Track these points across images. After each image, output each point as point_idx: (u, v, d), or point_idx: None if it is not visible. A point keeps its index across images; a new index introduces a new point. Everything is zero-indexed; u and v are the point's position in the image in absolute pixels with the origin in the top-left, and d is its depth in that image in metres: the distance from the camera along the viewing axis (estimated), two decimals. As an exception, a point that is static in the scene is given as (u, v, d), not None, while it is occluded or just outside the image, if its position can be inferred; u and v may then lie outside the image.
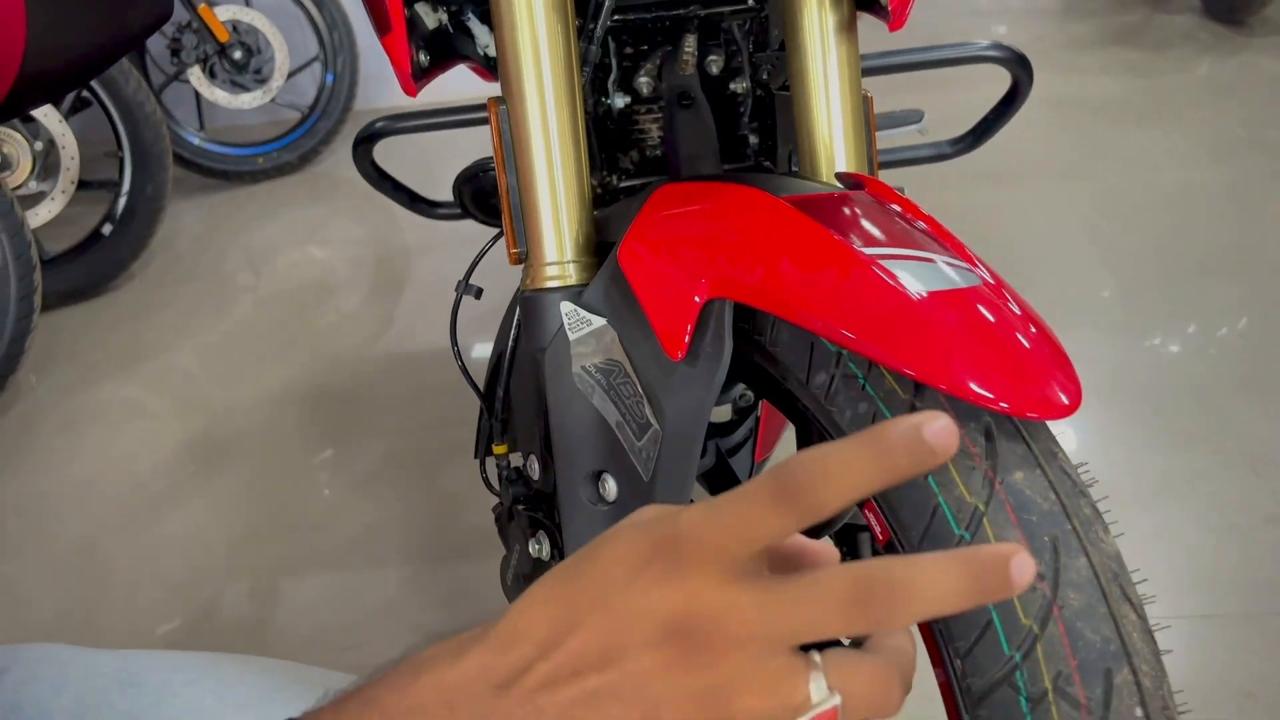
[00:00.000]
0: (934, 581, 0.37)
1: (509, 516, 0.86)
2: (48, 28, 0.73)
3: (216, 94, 3.03)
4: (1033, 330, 0.58)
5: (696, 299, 0.63)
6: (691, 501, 0.68)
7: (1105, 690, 0.52)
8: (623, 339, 0.67)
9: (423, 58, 0.83)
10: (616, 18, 0.97)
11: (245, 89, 3.05)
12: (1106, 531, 0.56)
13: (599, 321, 0.68)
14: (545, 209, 0.72)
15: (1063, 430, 0.97)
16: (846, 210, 0.66)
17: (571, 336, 0.68)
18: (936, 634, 0.57)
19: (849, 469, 0.37)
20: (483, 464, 0.91)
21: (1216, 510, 1.43)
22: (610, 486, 0.68)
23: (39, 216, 2.40)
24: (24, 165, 2.35)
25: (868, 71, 1.12)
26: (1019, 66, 1.06)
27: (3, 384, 1.99)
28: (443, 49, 0.88)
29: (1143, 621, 0.54)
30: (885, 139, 1.65)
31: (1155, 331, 1.88)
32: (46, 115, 2.36)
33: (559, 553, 0.81)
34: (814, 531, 0.66)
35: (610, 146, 1.08)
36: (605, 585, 0.41)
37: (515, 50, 0.71)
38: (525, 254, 0.73)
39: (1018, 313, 0.59)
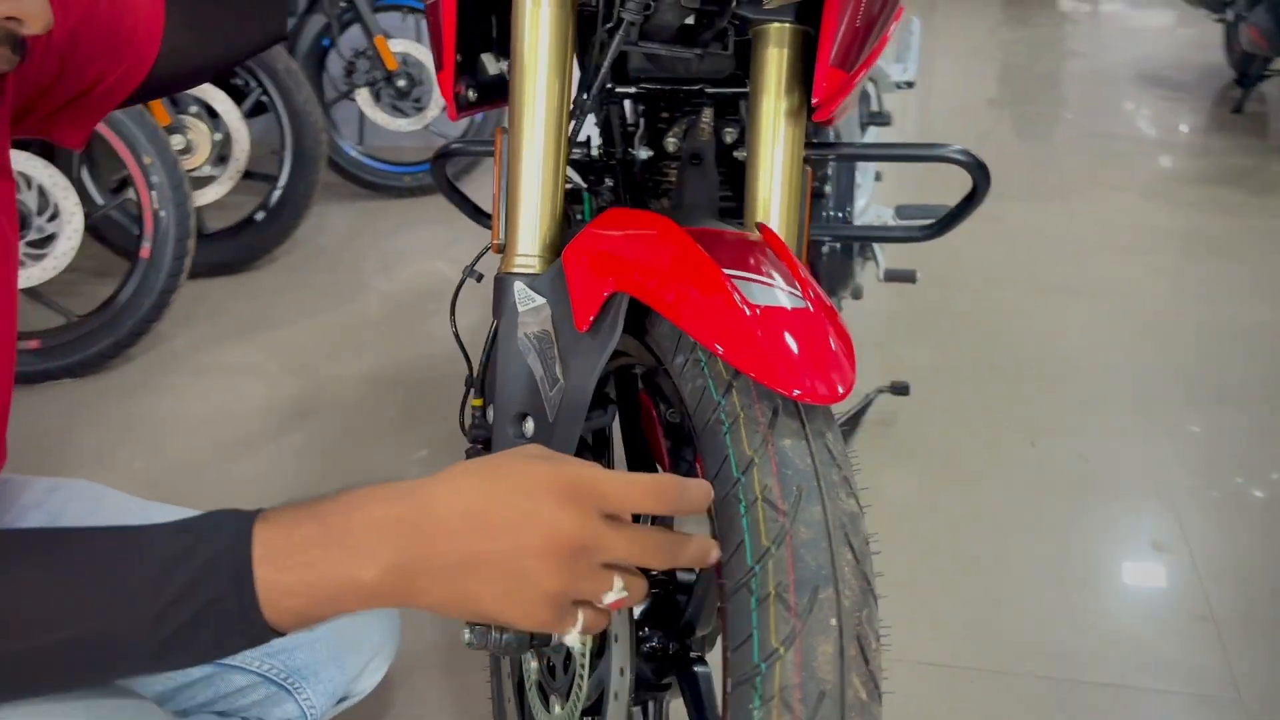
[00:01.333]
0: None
1: (473, 455, 1.09)
2: (179, 42, 1.00)
3: (378, 115, 3.40)
4: (830, 343, 0.78)
5: (604, 291, 0.85)
6: (581, 441, 0.89)
7: (810, 600, 0.71)
8: (554, 315, 0.89)
9: (471, 94, 1.08)
10: (644, 86, 1.21)
11: (404, 114, 3.41)
12: (850, 496, 0.75)
13: (540, 300, 0.90)
14: (524, 215, 0.95)
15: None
16: (735, 247, 0.87)
17: (520, 310, 0.91)
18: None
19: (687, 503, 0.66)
20: (461, 413, 1.14)
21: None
22: (529, 426, 0.90)
23: (206, 196, 2.78)
24: (203, 151, 2.73)
25: (848, 156, 1.32)
26: (978, 171, 1.24)
27: (147, 329, 2.33)
28: (495, 90, 1.13)
29: (858, 562, 0.73)
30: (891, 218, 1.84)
31: (1157, 439, 1.99)
32: (229, 113, 2.75)
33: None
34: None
35: (636, 189, 1.32)
36: (517, 495, 0.64)
37: (519, 102, 0.95)
38: (504, 245, 0.96)
39: (822, 330, 0.79)
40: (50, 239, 2.21)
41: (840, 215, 1.45)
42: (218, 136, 2.75)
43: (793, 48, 1.02)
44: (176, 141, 2.65)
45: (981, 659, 1.46)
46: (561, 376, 0.87)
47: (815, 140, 1.33)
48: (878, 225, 1.49)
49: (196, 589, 0.60)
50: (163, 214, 2.30)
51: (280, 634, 0.64)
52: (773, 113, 1.03)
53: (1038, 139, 4.44)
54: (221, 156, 2.80)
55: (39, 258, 2.21)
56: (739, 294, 0.79)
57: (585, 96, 1.02)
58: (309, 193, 2.88)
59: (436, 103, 3.44)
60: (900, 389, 2.00)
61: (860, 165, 1.77)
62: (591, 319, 0.85)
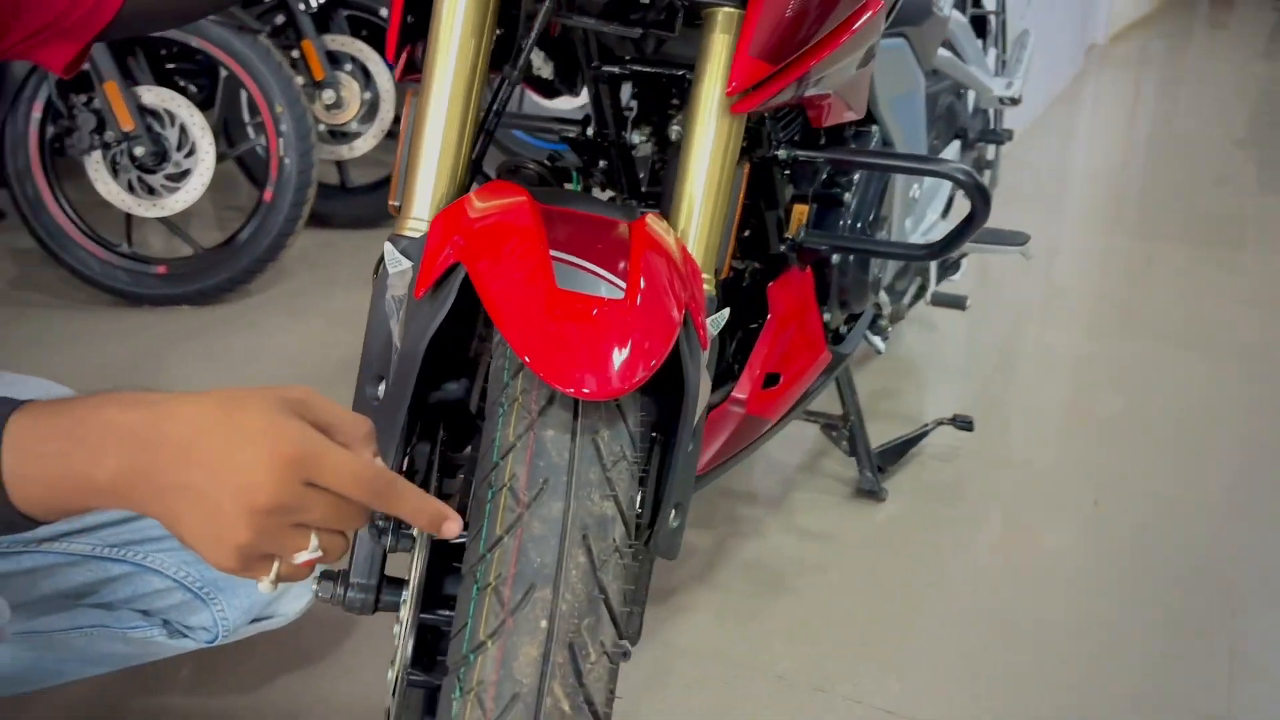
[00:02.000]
0: (414, 509, 0.65)
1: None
2: None
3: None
4: (630, 338, 0.74)
5: (447, 261, 0.83)
6: (411, 404, 0.88)
7: (522, 598, 0.67)
8: (413, 281, 0.89)
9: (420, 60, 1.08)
10: (630, 67, 1.18)
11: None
12: (605, 498, 0.71)
13: (407, 264, 0.90)
14: (420, 180, 0.94)
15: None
16: (586, 231, 0.84)
17: (390, 272, 0.91)
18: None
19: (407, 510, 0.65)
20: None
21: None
22: (382, 388, 0.91)
23: (353, 150, 2.92)
24: (352, 108, 2.87)
25: (839, 161, 1.24)
26: (976, 193, 1.15)
27: (263, 268, 2.48)
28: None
29: (593, 568, 0.69)
30: (991, 252, 1.72)
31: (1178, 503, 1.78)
32: (381, 74, 2.87)
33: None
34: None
35: (632, 175, 1.30)
36: (239, 440, 0.64)
37: (430, 67, 0.94)
38: (399, 207, 0.96)
39: (626, 324, 0.75)
40: (185, 174, 2.38)
41: (858, 226, 1.37)
42: (367, 95, 2.88)
43: (739, 38, 0.97)
44: (328, 96, 2.80)
45: None
46: (399, 342, 0.87)
47: (817, 144, 1.27)
48: (880, 240, 1.39)
49: None
50: (287, 161, 2.44)
51: (36, 521, 0.67)
52: (709, 103, 0.98)
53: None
54: (371, 113, 2.93)
55: (173, 190, 2.39)
56: (549, 278, 0.76)
57: (512, 69, 1.00)
58: (447, 158, 2.97)
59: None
60: (964, 424, 1.87)
61: (928, 189, 1.67)
62: (428, 288, 0.84)
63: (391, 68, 1.18)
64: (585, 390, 0.71)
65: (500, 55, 1.05)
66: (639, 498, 0.82)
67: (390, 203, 0.98)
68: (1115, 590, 1.61)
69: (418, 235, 0.93)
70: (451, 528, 0.68)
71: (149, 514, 0.66)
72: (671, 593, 1.57)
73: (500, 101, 1.02)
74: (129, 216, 2.45)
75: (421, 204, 0.94)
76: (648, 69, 1.15)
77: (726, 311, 0.95)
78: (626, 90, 1.26)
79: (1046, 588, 1.61)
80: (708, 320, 0.91)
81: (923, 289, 1.71)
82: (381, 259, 0.92)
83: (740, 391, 1.30)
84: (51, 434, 0.66)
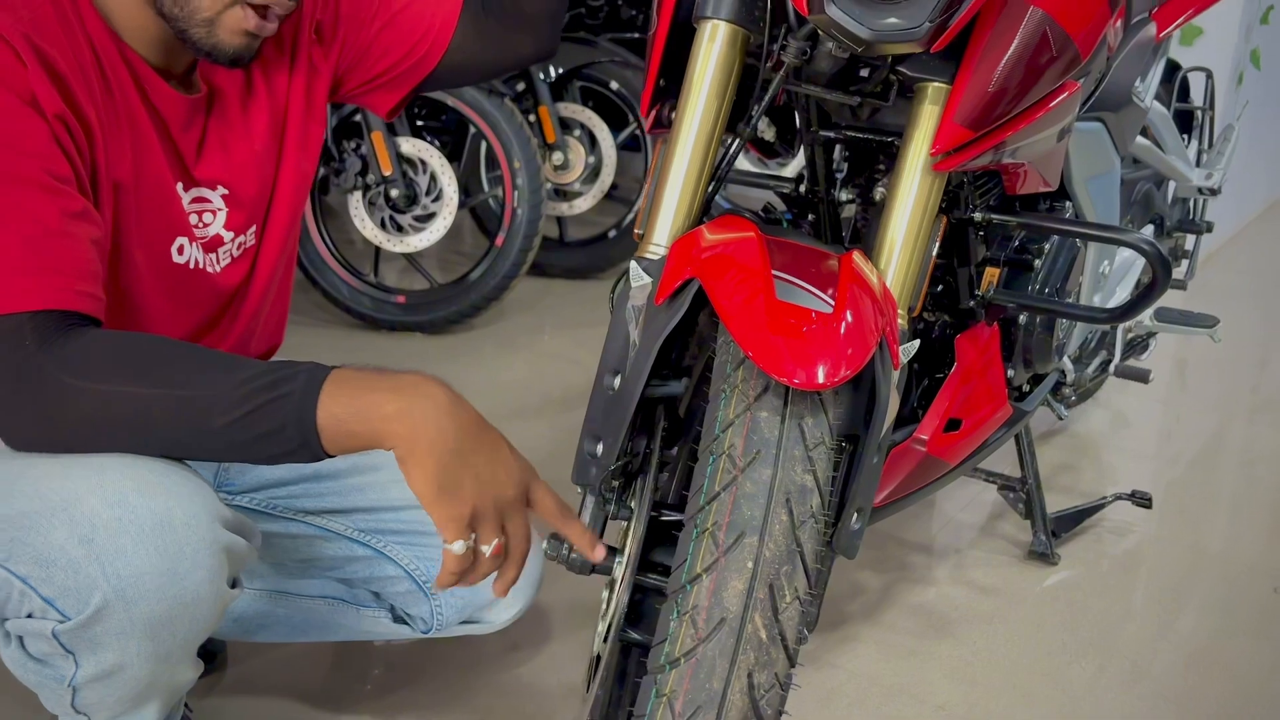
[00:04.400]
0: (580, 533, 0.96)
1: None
2: (464, 46, 1.28)
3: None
4: (834, 344, 0.89)
5: (682, 275, 1.01)
6: (648, 402, 1.05)
7: (734, 542, 0.82)
8: (654, 292, 1.07)
9: (669, 117, 1.28)
10: (846, 133, 1.34)
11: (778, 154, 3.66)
12: (806, 472, 0.86)
13: (648, 279, 1.08)
14: (661, 213, 1.12)
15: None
16: (802, 257, 1.00)
17: (633, 285, 1.09)
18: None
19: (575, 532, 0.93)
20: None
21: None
22: (617, 381, 1.08)
23: (574, 209, 3.19)
24: (577, 170, 3.15)
25: (1026, 226, 1.36)
26: (1159, 262, 1.24)
27: (488, 305, 2.75)
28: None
29: (793, 526, 0.83)
30: (1179, 332, 1.79)
31: None
32: (605, 140, 3.14)
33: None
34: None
35: (837, 229, 1.46)
36: (502, 450, 0.95)
37: (679, 120, 1.13)
38: (643, 235, 1.15)
39: (831, 332, 0.90)
40: (430, 216, 2.69)
41: (1045, 292, 1.48)
42: (591, 159, 3.16)
43: (946, 107, 1.12)
44: (557, 158, 3.08)
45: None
46: (638, 341, 1.04)
47: (1011, 211, 1.39)
48: (1063, 302, 1.47)
49: (281, 386, 0.86)
50: (519, 212, 2.71)
51: (326, 452, 0.88)
52: (915, 163, 1.12)
53: None
54: (593, 176, 3.20)
55: (418, 230, 2.69)
56: (771, 291, 0.93)
57: (745, 126, 1.18)
58: (657, 219, 3.20)
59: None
60: (1143, 500, 1.91)
61: (1119, 268, 1.75)
62: (666, 296, 1.01)
63: (641, 121, 1.37)
64: (796, 381, 0.86)
65: (733, 117, 1.23)
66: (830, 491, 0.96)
67: (635, 231, 1.17)
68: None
69: (657, 257, 1.11)
70: (596, 553, 0.96)
71: (405, 447, 0.87)
72: (841, 623, 1.68)
73: (733, 153, 1.20)
74: (378, 250, 2.77)
75: (662, 232, 1.12)
76: (859, 134, 1.31)
77: (916, 343, 1.08)
78: (837, 153, 1.43)
79: (1210, 667, 1.63)
80: (900, 347, 1.05)
81: (1107, 362, 1.79)
82: (624, 275, 1.10)
83: (923, 432, 1.41)
84: (364, 375, 0.88)
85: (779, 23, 1.11)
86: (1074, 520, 1.90)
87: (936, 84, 1.11)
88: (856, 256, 1.04)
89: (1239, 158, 3.71)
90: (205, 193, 1.12)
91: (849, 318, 0.92)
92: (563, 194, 3.18)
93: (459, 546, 0.88)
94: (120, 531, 0.88)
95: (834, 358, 0.88)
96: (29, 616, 0.91)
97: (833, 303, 0.94)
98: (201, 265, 1.12)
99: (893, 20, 0.96)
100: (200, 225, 1.11)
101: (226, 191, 1.13)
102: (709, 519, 0.85)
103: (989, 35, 1.06)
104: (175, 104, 1.06)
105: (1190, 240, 2.22)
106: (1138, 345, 1.97)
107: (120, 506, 0.89)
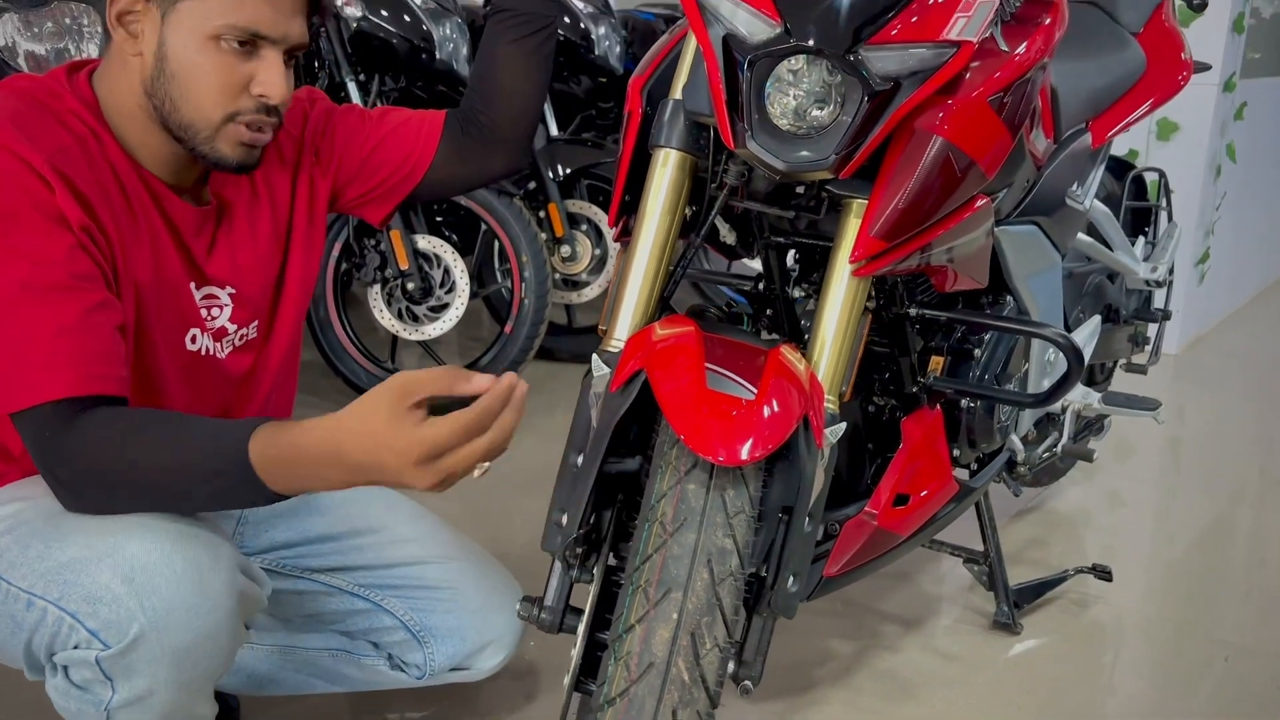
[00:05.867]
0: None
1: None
2: (444, 165, 1.47)
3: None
4: (754, 427, 1.04)
5: (632, 367, 1.17)
6: (608, 478, 1.20)
7: (662, 597, 0.97)
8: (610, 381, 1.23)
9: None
10: (795, 239, 1.51)
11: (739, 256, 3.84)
12: (726, 536, 1.00)
13: (607, 370, 1.24)
14: (621, 313, 1.29)
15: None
16: (733, 352, 1.16)
17: (594, 375, 1.26)
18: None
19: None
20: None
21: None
22: (580, 459, 1.24)
23: (581, 297, 3.38)
24: (584, 261, 3.34)
25: (955, 320, 1.51)
26: (1072, 354, 1.39)
27: (497, 389, 2.92)
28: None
29: (713, 582, 0.98)
30: (1124, 414, 1.93)
31: None
32: (610, 235, 3.34)
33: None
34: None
35: (795, 322, 1.61)
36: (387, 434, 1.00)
37: (636, 232, 1.30)
38: (606, 330, 1.31)
39: (754, 417, 1.05)
40: (444, 307, 2.88)
41: (986, 378, 1.62)
42: (597, 251, 3.35)
43: (864, 220, 1.29)
44: (565, 250, 3.28)
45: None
46: (595, 423, 1.20)
47: (949, 306, 1.55)
48: (995, 389, 1.62)
49: (224, 451, 1.02)
50: (526, 301, 2.90)
51: (281, 495, 1.04)
52: (841, 268, 1.29)
53: None
54: (599, 267, 3.39)
55: (433, 319, 2.88)
56: (703, 381, 1.09)
57: (696, 236, 1.35)
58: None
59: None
60: (1103, 573, 2.03)
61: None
62: (619, 385, 1.17)
63: (611, 231, 1.55)
64: (719, 458, 1.02)
65: (691, 225, 1.41)
66: (756, 549, 1.11)
67: (600, 326, 1.34)
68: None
69: (616, 350, 1.28)
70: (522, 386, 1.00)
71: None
72: (809, 687, 1.79)
73: (685, 259, 1.37)
74: (395, 338, 2.96)
75: (621, 328, 1.29)
76: (805, 240, 1.48)
77: (843, 425, 1.23)
78: (790, 255, 1.59)
79: (1164, 726, 1.73)
80: (827, 430, 1.20)
81: (1055, 443, 1.92)
82: (590, 367, 1.26)
83: (873, 506, 1.55)
84: (282, 461, 1.03)
85: (721, 150, 1.29)
86: (1035, 592, 2.01)
87: (859, 200, 1.28)
88: (785, 350, 1.20)
89: (1225, 245, 3.87)
90: (214, 290, 1.30)
91: (772, 404, 1.08)
92: (571, 283, 3.37)
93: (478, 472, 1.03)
94: (156, 573, 1.05)
95: (754, 438, 1.04)
96: (75, 648, 1.07)
97: (755, 391, 1.09)
98: (212, 352, 1.30)
99: (805, 153, 1.13)
100: (210, 318, 1.29)
101: (234, 290, 1.31)
102: (642, 576, 1.00)
103: (898, 160, 1.22)
104: (187, 215, 1.25)
105: (1152, 328, 2.36)
106: (1093, 426, 2.10)
107: (156, 552, 1.06)
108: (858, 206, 1.28)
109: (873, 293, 1.38)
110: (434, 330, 2.88)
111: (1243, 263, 4.21)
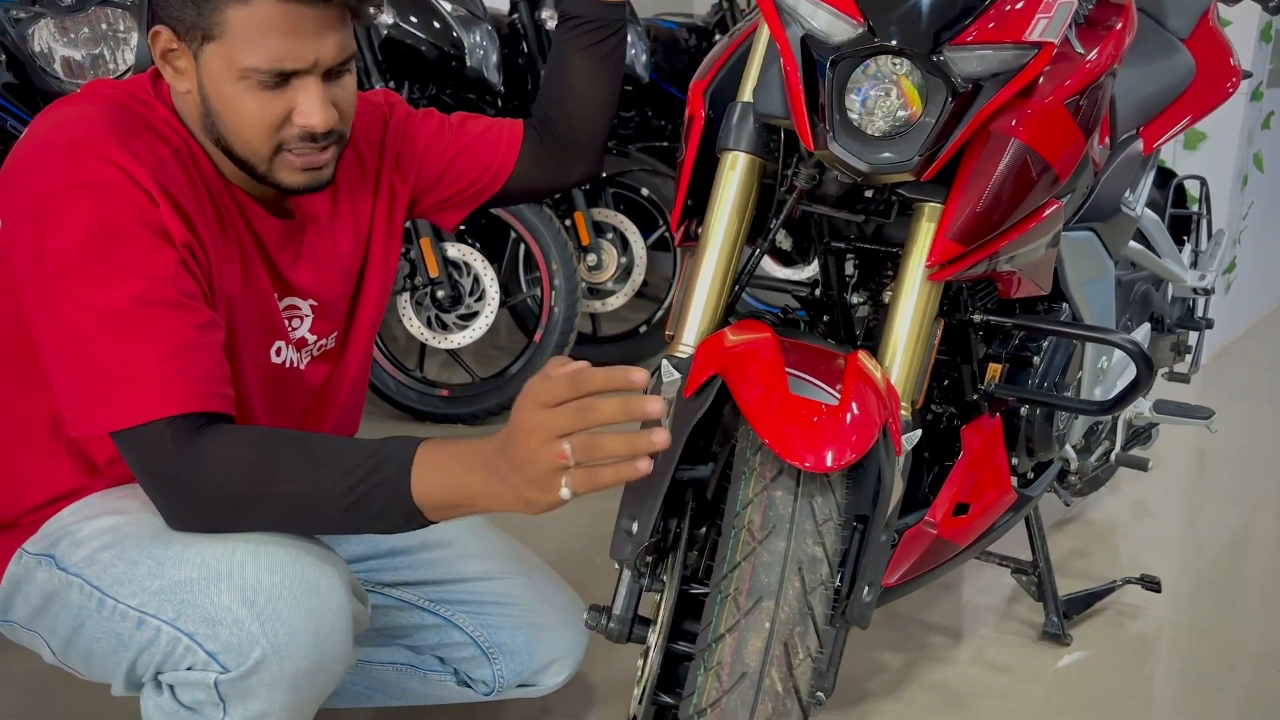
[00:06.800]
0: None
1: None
2: (524, 173, 1.45)
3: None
4: (839, 433, 1.02)
5: (707, 372, 1.15)
6: (680, 485, 1.18)
7: (753, 605, 0.95)
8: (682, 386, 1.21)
9: (696, 231, 1.43)
10: (856, 244, 1.49)
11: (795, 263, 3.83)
12: (816, 544, 0.98)
13: (677, 375, 1.22)
14: (690, 317, 1.27)
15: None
16: (811, 357, 1.14)
17: (664, 380, 1.24)
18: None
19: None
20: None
21: None
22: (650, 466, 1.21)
23: (606, 306, 3.36)
24: (609, 269, 3.32)
25: (1030, 329, 1.50)
26: (1140, 359, 1.37)
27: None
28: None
29: (804, 591, 0.96)
30: (1177, 423, 1.91)
31: None
32: (636, 243, 3.32)
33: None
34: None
35: (851, 329, 1.60)
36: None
37: (704, 237, 1.28)
38: (674, 336, 1.29)
39: (837, 422, 1.03)
40: (473, 315, 2.86)
41: (1044, 386, 1.61)
42: (623, 260, 3.34)
43: (939, 225, 1.27)
44: (591, 259, 3.26)
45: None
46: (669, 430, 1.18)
47: (1009, 313, 1.53)
48: (1057, 396, 1.60)
49: (378, 472, 1.00)
50: (556, 309, 2.88)
51: (427, 520, 1.01)
52: (914, 273, 1.27)
53: None
54: (625, 275, 3.37)
55: (462, 328, 2.86)
56: (785, 387, 1.07)
57: (764, 240, 1.33)
58: (686, 316, 3.36)
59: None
60: (1151, 583, 2.01)
61: (1117, 364, 1.87)
62: (694, 390, 1.15)
63: (672, 236, 1.53)
64: (806, 464, 1.00)
65: (752, 231, 1.39)
66: (839, 563, 1.08)
67: (667, 332, 1.32)
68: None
69: (685, 355, 1.26)
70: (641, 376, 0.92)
71: (497, 502, 0.98)
72: (861, 699, 1.77)
73: (752, 263, 1.35)
74: (423, 347, 2.94)
75: (690, 334, 1.27)
76: (867, 245, 1.46)
77: (919, 432, 1.22)
78: (848, 261, 1.58)
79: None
80: (904, 436, 1.18)
81: (1109, 451, 1.90)
82: (656, 370, 1.24)
83: (933, 516, 1.53)
84: (445, 456, 1.01)
85: (792, 152, 1.28)
86: (1084, 603, 1.99)
87: (932, 204, 1.26)
88: (862, 355, 1.18)
89: (1250, 254, 3.86)
90: (296, 301, 1.28)
91: (854, 409, 1.06)
92: (597, 292, 3.35)
93: (566, 494, 0.94)
94: (277, 596, 1.03)
95: (840, 444, 1.02)
96: (190, 669, 1.04)
97: (839, 396, 1.07)
98: (295, 364, 1.28)
99: (887, 155, 1.12)
100: (292, 329, 1.27)
101: (315, 302, 1.29)
102: (731, 585, 0.97)
103: (976, 163, 1.21)
104: (272, 228, 1.23)
105: (1193, 336, 2.34)
106: (1141, 435, 2.08)
107: (277, 574, 1.04)
108: (930, 210, 1.26)
109: (938, 298, 1.37)
110: (463, 338, 2.86)
111: (1269, 271, 4.19)
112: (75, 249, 1.04)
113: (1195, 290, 2.09)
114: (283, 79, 1.11)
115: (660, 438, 0.89)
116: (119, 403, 1.03)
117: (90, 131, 1.08)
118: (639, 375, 0.90)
